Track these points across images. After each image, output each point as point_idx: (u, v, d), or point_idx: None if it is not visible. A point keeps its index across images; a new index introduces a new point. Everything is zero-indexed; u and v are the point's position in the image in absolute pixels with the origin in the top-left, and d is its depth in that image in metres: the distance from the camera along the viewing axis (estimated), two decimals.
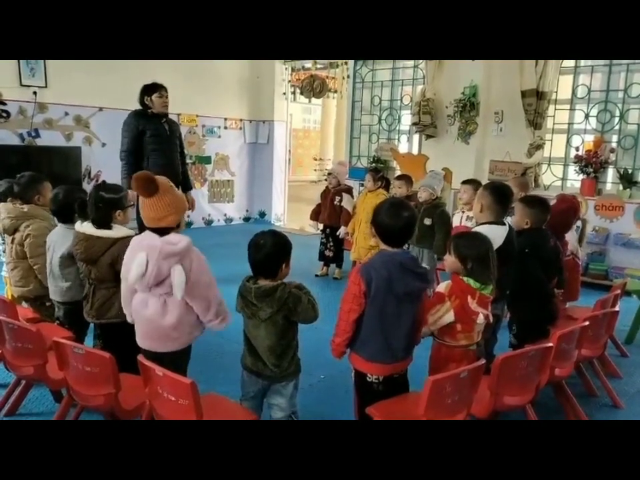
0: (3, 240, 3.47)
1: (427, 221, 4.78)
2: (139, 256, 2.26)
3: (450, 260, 2.52)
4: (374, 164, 7.52)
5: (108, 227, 2.64)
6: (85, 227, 2.64)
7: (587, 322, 2.80)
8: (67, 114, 6.92)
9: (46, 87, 6.67)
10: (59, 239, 2.90)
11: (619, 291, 3.51)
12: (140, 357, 2.09)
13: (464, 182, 4.34)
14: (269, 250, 2.22)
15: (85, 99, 6.93)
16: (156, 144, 4.66)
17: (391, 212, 2.29)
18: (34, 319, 3.02)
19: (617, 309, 3.24)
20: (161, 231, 2.34)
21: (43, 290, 3.14)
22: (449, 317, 2.40)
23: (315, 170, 18.68)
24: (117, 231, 2.64)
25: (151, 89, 4.68)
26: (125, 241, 2.58)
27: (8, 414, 2.73)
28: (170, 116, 7.58)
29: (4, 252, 3.45)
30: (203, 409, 1.94)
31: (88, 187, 6.79)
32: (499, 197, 2.92)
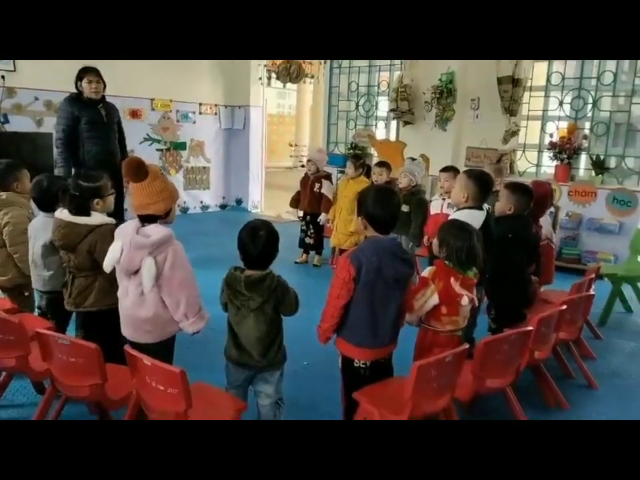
0: None
1: (405, 208, 4.80)
2: (115, 243, 2.31)
3: (434, 242, 2.60)
4: (352, 150, 7.53)
5: (86, 214, 2.60)
6: (64, 214, 2.60)
7: (565, 306, 2.87)
8: (36, 99, 6.73)
9: (14, 70, 6.46)
10: (41, 228, 2.85)
11: (593, 275, 3.61)
12: (127, 347, 2.08)
13: (443, 170, 4.37)
14: (265, 242, 2.22)
15: (55, 84, 6.70)
16: (91, 131, 4.47)
17: (380, 199, 2.31)
18: (12, 309, 2.96)
19: (592, 292, 3.34)
20: (148, 219, 2.33)
21: (21, 279, 3.09)
22: (434, 299, 2.44)
23: (291, 156, 18.59)
24: (95, 218, 2.61)
25: (81, 73, 4.46)
26: (102, 228, 2.58)
27: None
28: (143, 100, 7.40)
29: None
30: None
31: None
32: (483, 186, 2.98)
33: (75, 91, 6.52)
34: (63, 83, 6.70)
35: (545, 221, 3.87)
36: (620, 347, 3.93)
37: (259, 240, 2.23)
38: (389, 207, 2.31)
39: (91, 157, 4.45)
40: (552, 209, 4.17)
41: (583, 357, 3.47)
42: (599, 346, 3.86)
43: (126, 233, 2.30)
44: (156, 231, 2.30)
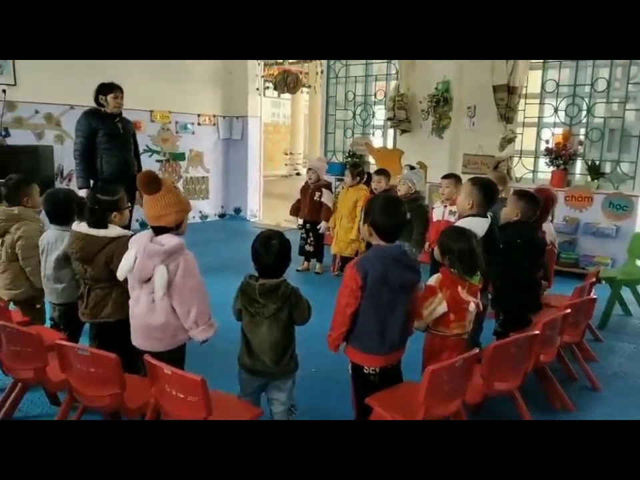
0: None
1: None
2: (129, 252, 2.38)
3: (436, 250, 2.65)
4: (349, 159, 7.60)
5: (104, 227, 2.65)
6: (82, 227, 2.65)
7: (569, 309, 2.93)
8: (37, 112, 6.76)
9: (15, 84, 6.50)
10: (54, 241, 2.90)
11: (594, 279, 3.67)
12: (146, 357, 2.13)
13: (444, 177, 4.44)
14: (278, 251, 2.29)
15: (55, 97, 6.78)
16: (109, 143, 4.66)
17: (387, 209, 2.36)
18: (24, 322, 2.99)
19: (594, 296, 3.41)
20: (161, 230, 2.39)
21: (33, 292, 3.14)
22: (442, 307, 2.50)
23: (286, 165, 18.68)
24: (112, 230, 2.66)
25: (108, 88, 4.66)
26: (120, 240, 2.63)
27: (4, 417, 2.71)
28: (142, 113, 7.56)
29: None
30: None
31: (61, 186, 6.70)
32: (489, 194, 3.05)
33: (74, 103, 6.62)
34: (63, 96, 6.80)
35: (548, 226, 3.94)
36: (620, 349, 4.00)
37: (271, 249, 2.29)
38: (395, 216, 2.37)
39: (109, 168, 4.62)
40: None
41: (586, 359, 3.53)
42: (600, 348, 3.92)
43: (140, 241, 2.37)
44: (168, 240, 2.36)
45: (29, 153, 6.68)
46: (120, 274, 2.38)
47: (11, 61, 6.41)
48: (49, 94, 6.72)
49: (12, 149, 6.52)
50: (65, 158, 6.98)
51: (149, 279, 2.33)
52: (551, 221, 3.99)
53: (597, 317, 4.26)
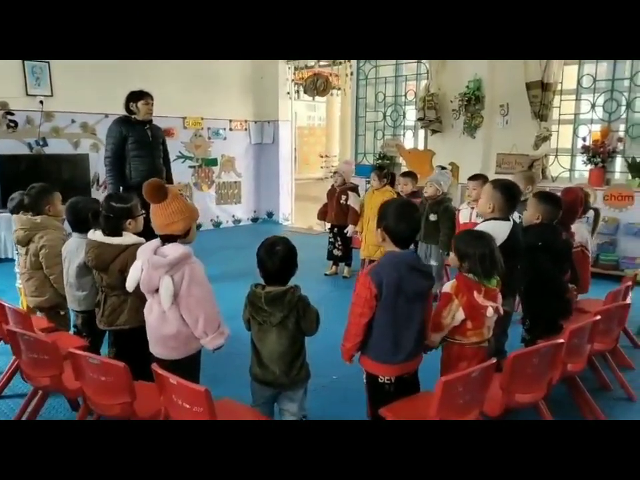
0: (17, 251, 3.52)
1: (433, 217, 4.78)
2: (136, 263, 2.39)
3: (452, 256, 2.56)
4: (380, 161, 7.52)
5: (119, 235, 2.67)
6: (97, 235, 2.69)
7: (599, 316, 2.78)
8: (73, 121, 6.98)
9: (52, 95, 6.73)
10: (75, 249, 2.94)
11: (630, 283, 3.49)
12: (154, 366, 2.12)
13: (471, 178, 4.32)
14: (282, 257, 2.25)
15: (90, 106, 6.98)
16: (138, 150, 4.73)
17: (399, 214, 2.29)
18: (49, 328, 3.07)
19: (628, 301, 3.23)
20: (168, 238, 2.39)
21: (58, 299, 3.20)
22: (460, 315, 2.41)
23: (322, 167, 18.67)
24: (126, 238, 2.68)
25: (138, 95, 4.73)
26: (134, 248, 2.63)
27: None
28: (175, 120, 7.67)
29: (18, 263, 3.50)
30: (217, 415, 1.96)
31: (97, 193, 6.89)
32: (510, 198, 2.94)
33: (109, 112, 6.78)
34: (98, 105, 6.99)
35: (579, 227, 3.77)
36: None
37: (276, 255, 2.26)
38: (410, 221, 2.30)
39: (137, 174, 4.69)
40: (590, 214, 4.06)
41: (622, 367, 3.36)
42: (638, 355, 3.71)
43: (145, 252, 2.37)
44: (173, 250, 2.35)
45: (66, 162, 6.91)
46: (129, 285, 2.40)
47: (47, 72, 6.64)
48: (84, 103, 6.93)
49: (50, 158, 6.75)
50: (100, 166, 7.11)
51: (158, 289, 2.33)
52: (580, 219, 3.80)
53: (635, 322, 4.05)
